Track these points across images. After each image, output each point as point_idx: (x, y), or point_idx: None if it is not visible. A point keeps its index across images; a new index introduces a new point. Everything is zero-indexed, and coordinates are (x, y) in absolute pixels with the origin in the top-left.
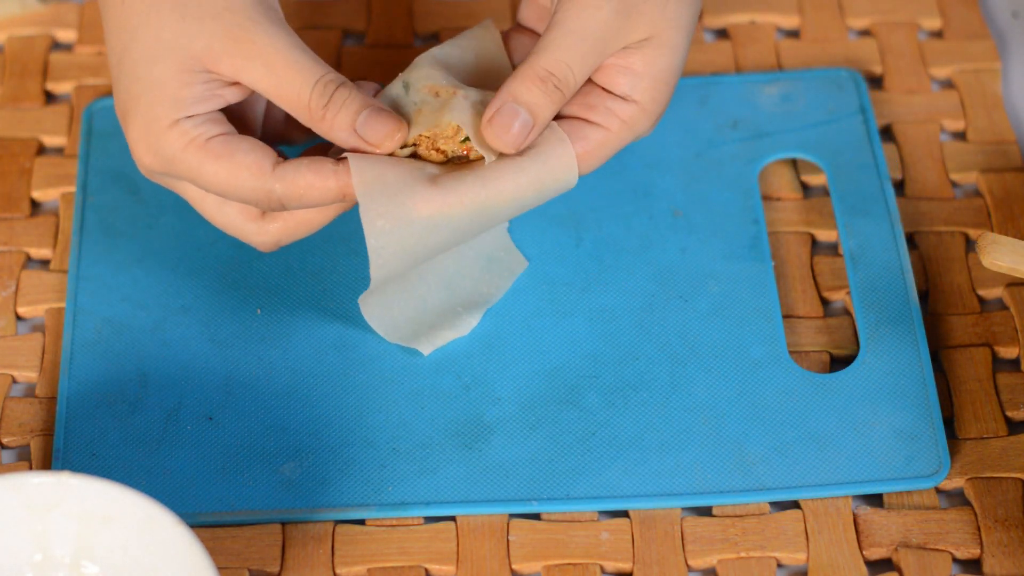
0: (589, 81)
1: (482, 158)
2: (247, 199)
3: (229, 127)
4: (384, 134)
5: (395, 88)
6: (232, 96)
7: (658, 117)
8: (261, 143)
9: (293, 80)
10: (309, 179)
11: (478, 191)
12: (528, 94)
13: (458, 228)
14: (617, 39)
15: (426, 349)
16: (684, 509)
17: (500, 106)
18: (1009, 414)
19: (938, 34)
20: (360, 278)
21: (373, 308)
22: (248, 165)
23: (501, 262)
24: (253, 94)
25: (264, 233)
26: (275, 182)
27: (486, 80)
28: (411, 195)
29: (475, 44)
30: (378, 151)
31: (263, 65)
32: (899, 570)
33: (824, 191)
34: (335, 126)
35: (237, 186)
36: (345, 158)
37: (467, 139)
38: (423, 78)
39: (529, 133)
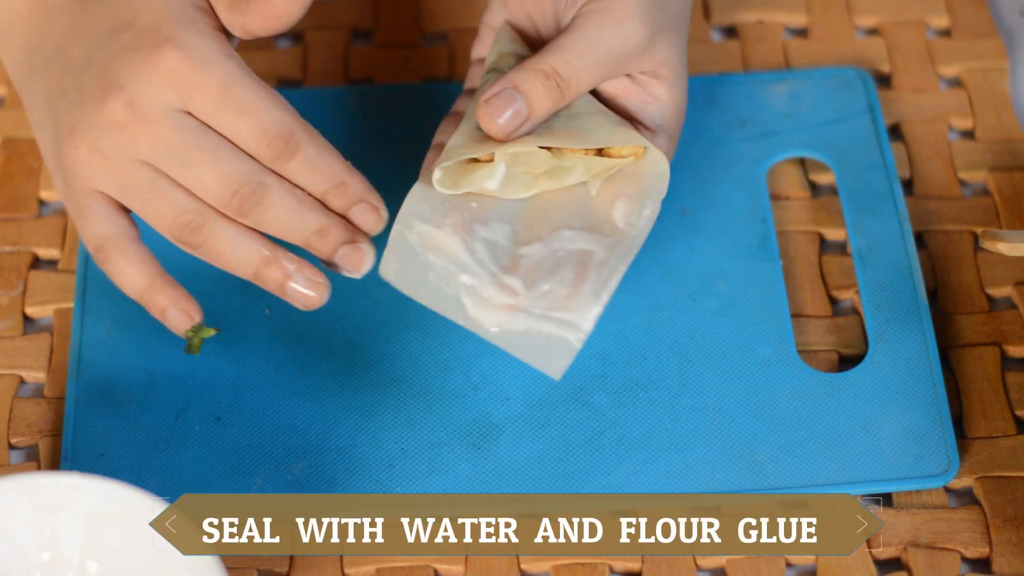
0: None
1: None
2: None
3: None
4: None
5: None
6: None
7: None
8: None
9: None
10: None
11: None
12: (529, 85)
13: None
14: (633, 60)
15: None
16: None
17: (500, 90)
18: (1018, 413)
19: (946, 33)
20: (368, 277)
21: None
22: None
23: None
24: None
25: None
26: None
27: None
28: None
29: (509, 55)
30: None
31: None
32: (908, 569)
33: (832, 190)
34: None
35: None
36: None
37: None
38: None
39: (522, 124)
